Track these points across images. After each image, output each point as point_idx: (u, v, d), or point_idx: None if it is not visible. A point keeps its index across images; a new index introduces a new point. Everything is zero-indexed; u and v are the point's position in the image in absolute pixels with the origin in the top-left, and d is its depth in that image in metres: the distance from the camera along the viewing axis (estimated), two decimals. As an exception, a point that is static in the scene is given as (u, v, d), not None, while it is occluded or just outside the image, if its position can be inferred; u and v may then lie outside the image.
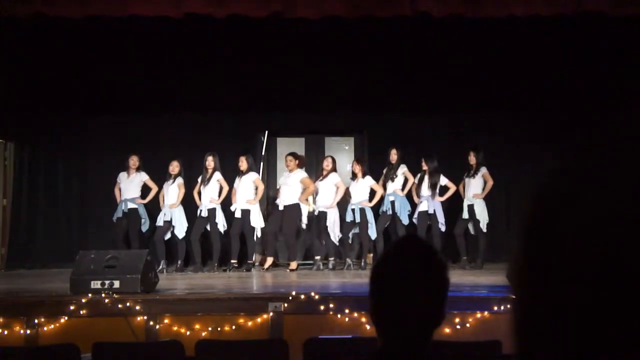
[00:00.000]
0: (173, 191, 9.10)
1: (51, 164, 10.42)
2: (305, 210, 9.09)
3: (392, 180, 9.15)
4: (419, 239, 1.93)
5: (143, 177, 9.29)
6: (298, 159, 9.22)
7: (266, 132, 10.24)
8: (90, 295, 5.87)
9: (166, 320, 5.80)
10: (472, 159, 9.10)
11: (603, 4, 7.54)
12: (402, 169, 9.21)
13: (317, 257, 9.11)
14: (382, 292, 1.59)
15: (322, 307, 5.77)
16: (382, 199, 9.15)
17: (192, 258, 9.25)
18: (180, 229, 9.06)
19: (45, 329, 5.71)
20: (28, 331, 5.69)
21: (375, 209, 9.15)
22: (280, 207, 9.02)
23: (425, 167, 9.16)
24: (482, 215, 8.99)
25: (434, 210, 9.02)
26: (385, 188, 9.17)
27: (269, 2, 7.59)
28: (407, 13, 7.64)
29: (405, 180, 9.24)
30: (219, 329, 5.70)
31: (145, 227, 9.25)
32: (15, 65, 9.46)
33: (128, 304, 5.79)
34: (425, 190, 9.09)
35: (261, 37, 9.40)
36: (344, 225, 9.10)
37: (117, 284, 5.96)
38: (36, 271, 9.27)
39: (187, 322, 5.76)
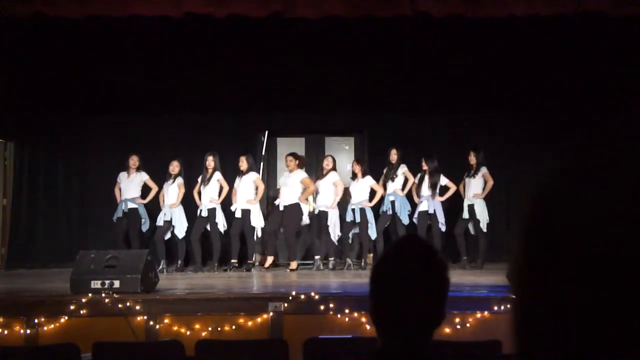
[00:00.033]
0: (173, 191, 9.10)
1: (51, 164, 10.42)
2: (305, 209, 9.09)
3: (392, 180, 9.15)
4: (419, 238, 1.94)
5: (143, 177, 9.29)
6: (298, 159, 9.22)
7: (266, 132, 10.25)
8: (90, 295, 5.87)
9: (166, 320, 5.80)
10: (472, 159, 9.10)
11: (603, 4, 7.54)
12: (402, 169, 9.22)
13: (317, 257, 9.11)
14: (383, 292, 1.59)
15: (322, 307, 5.77)
16: (382, 198, 9.15)
17: (192, 258, 9.25)
18: (181, 228, 9.06)
19: (45, 328, 5.71)
20: (28, 331, 5.69)
21: (376, 209, 9.14)
22: (281, 208, 9.02)
23: (425, 167, 9.16)
24: (483, 215, 8.99)
25: (434, 210, 9.03)
26: (385, 188, 9.17)
27: (269, 2, 7.59)
28: (407, 13, 7.64)
29: (406, 180, 9.24)
30: (219, 328, 5.70)
31: (145, 227, 9.25)
32: (15, 65, 9.45)
33: (128, 304, 5.79)
34: (425, 190, 9.09)
35: (261, 37, 9.40)
36: (344, 225, 9.10)
37: (117, 283, 5.96)
38: (36, 271, 9.26)
39: (187, 322, 5.77)
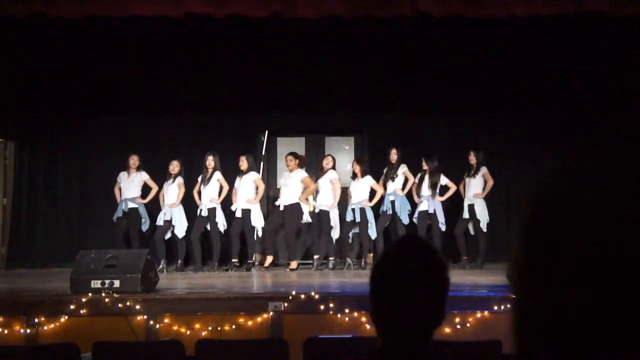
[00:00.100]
0: (173, 191, 9.11)
1: (51, 164, 10.42)
2: (306, 209, 9.08)
3: (393, 180, 9.15)
4: (419, 238, 1.94)
5: (143, 176, 9.29)
6: (298, 158, 9.22)
7: (266, 131, 10.25)
8: (90, 294, 5.87)
9: (166, 320, 5.81)
10: (473, 159, 9.10)
11: (603, 4, 7.54)
12: (403, 169, 9.22)
13: (316, 257, 9.11)
14: (383, 292, 1.59)
15: (322, 307, 5.78)
16: (382, 198, 9.16)
17: (192, 257, 9.25)
18: (180, 228, 9.06)
19: (45, 328, 5.71)
20: (28, 330, 5.69)
21: (376, 209, 9.15)
22: (281, 208, 9.02)
23: (425, 167, 9.16)
24: (483, 215, 8.99)
25: (434, 210, 9.03)
26: (385, 188, 9.17)
27: (269, 2, 7.59)
28: (407, 13, 7.64)
29: (406, 180, 9.24)
30: (219, 328, 5.70)
31: (145, 227, 9.25)
32: (15, 65, 9.45)
33: (128, 304, 5.79)
34: (425, 190, 9.09)
35: (261, 37, 9.40)
36: (344, 225, 9.10)
37: (117, 283, 5.96)
38: (36, 271, 9.26)
39: (187, 321, 5.77)
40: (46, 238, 10.17)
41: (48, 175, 10.38)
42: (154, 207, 9.32)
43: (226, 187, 9.14)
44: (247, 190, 9.06)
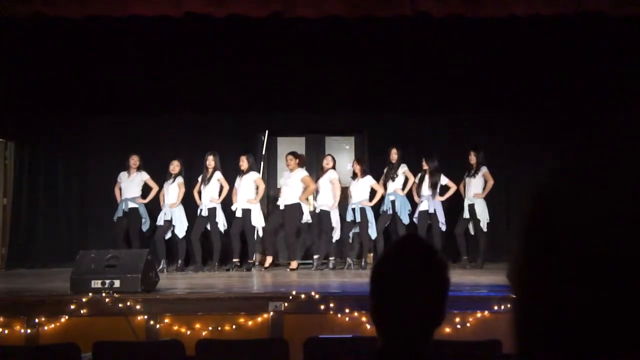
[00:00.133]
0: (173, 191, 9.11)
1: (51, 164, 10.42)
2: (306, 209, 9.09)
3: (393, 180, 9.16)
4: (420, 238, 1.94)
5: (144, 176, 9.29)
6: (298, 158, 9.22)
7: (266, 131, 10.25)
8: (90, 294, 5.87)
9: (166, 320, 5.81)
10: (473, 159, 9.11)
11: (603, 4, 7.54)
12: (403, 169, 9.22)
13: (316, 257, 9.11)
14: (383, 292, 1.59)
15: (322, 307, 5.78)
16: (382, 198, 9.16)
17: (193, 257, 9.25)
18: (181, 228, 9.06)
19: (45, 328, 5.71)
20: (29, 330, 5.69)
21: (376, 209, 9.15)
22: (281, 207, 9.02)
23: (425, 167, 9.16)
24: (483, 214, 9.00)
25: (435, 210, 9.03)
26: (385, 187, 9.17)
27: (269, 2, 7.59)
28: (407, 13, 7.63)
29: (406, 180, 9.24)
30: (219, 328, 5.70)
31: (145, 227, 9.26)
32: (15, 65, 9.45)
33: (128, 304, 5.79)
34: (425, 189, 9.10)
35: (261, 37, 9.40)
36: (344, 225, 9.10)
37: (117, 283, 5.96)
38: (36, 271, 9.27)
39: (188, 321, 5.77)
40: (46, 238, 10.18)
41: (48, 175, 10.38)
42: (154, 207, 9.32)
43: (226, 187, 9.14)
44: (248, 190, 9.06)
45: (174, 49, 9.71)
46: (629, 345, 0.50)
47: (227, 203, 9.18)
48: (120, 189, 9.30)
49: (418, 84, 9.93)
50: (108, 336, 5.04)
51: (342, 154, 10.53)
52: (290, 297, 5.86)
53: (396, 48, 9.79)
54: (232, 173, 9.25)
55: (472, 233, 9.13)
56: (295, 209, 8.95)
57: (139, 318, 5.79)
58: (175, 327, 5.74)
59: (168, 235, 9.13)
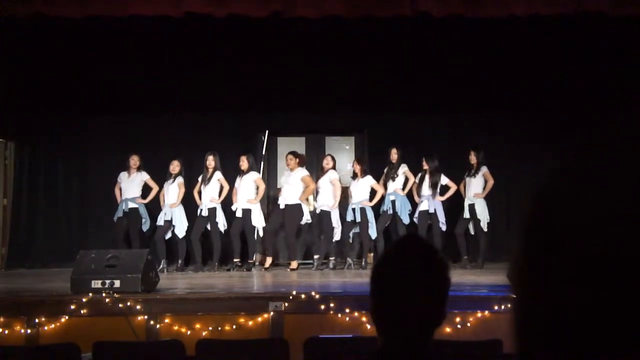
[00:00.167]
0: (173, 191, 9.11)
1: (51, 164, 10.42)
2: (306, 209, 9.09)
3: (393, 180, 9.16)
4: (420, 238, 1.93)
5: (144, 176, 9.29)
6: (298, 157, 9.22)
7: (266, 131, 10.25)
8: (90, 294, 5.87)
9: (167, 320, 5.81)
10: (473, 159, 9.11)
11: (603, 4, 7.54)
12: (403, 169, 9.22)
13: (316, 257, 9.11)
14: (383, 292, 1.59)
15: (322, 307, 5.78)
16: (382, 198, 9.16)
17: (193, 257, 9.25)
18: (181, 228, 9.06)
19: (45, 328, 5.71)
20: (29, 330, 5.69)
21: (376, 209, 9.15)
22: (282, 206, 9.01)
23: (426, 167, 9.16)
24: (483, 214, 9.00)
25: (435, 210, 9.03)
26: (385, 187, 9.17)
27: (269, 2, 7.59)
28: (407, 13, 7.64)
29: (406, 180, 9.24)
30: (219, 328, 5.70)
31: (145, 227, 9.26)
32: (15, 65, 9.46)
33: (129, 304, 5.79)
34: (426, 189, 9.10)
35: (261, 37, 9.40)
36: (345, 225, 9.11)
37: (117, 283, 5.96)
38: (36, 271, 9.27)
39: (188, 321, 5.77)
40: (46, 238, 10.18)
41: (48, 175, 10.38)
42: (154, 207, 9.32)
43: (226, 187, 9.14)
44: (248, 190, 9.06)
45: (174, 49, 9.71)
46: (629, 345, 0.50)
47: (227, 203, 9.18)
48: (120, 189, 9.30)
49: (418, 84, 9.93)
50: (108, 336, 5.04)
51: (342, 154, 10.53)
52: (291, 297, 5.86)
53: (396, 48, 9.79)
54: (232, 173, 9.25)
55: (473, 233, 9.13)
56: (295, 209, 8.95)
57: (139, 318, 5.79)
58: (176, 327, 5.74)
59: (168, 235, 9.13)
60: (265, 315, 5.78)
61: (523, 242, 0.58)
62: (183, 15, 7.69)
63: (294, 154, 9.22)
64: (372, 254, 9.10)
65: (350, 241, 9.22)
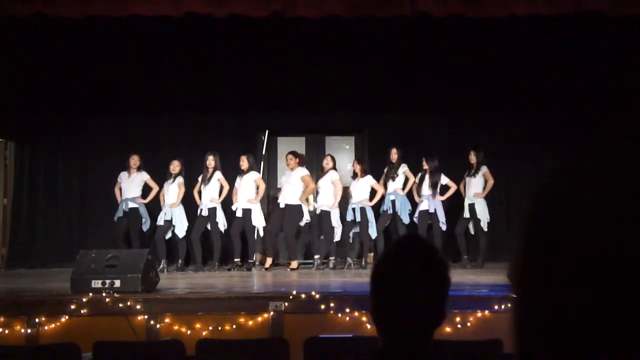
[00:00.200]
0: (173, 190, 9.11)
1: (51, 164, 10.42)
2: (306, 210, 9.09)
3: (393, 180, 9.16)
4: (420, 238, 1.93)
5: (144, 176, 9.30)
6: (298, 157, 9.23)
7: (267, 131, 10.25)
8: (91, 294, 5.88)
9: (167, 320, 5.81)
10: (473, 158, 9.11)
11: (603, 4, 7.54)
12: (403, 168, 9.22)
13: (317, 257, 9.12)
14: (383, 291, 1.59)
15: (322, 306, 5.78)
16: (382, 198, 9.16)
17: (193, 257, 9.25)
18: (181, 228, 9.06)
19: (46, 328, 5.71)
20: (29, 330, 5.70)
21: (376, 208, 9.15)
22: (282, 205, 9.01)
23: (426, 167, 9.17)
24: (483, 214, 9.00)
25: (435, 210, 9.03)
26: (386, 187, 9.17)
27: (269, 2, 7.59)
28: (407, 13, 7.63)
29: (406, 180, 9.24)
30: (219, 328, 5.70)
31: (146, 227, 9.26)
32: (15, 65, 9.46)
33: (129, 303, 5.79)
34: (426, 189, 9.10)
35: (261, 37, 9.40)
36: (345, 225, 9.11)
37: (117, 283, 5.96)
38: (36, 270, 9.27)
39: (188, 321, 5.77)
40: (46, 238, 10.18)
41: (48, 175, 10.38)
42: (154, 207, 9.32)
43: (226, 187, 9.14)
44: (248, 189, 9.06)
45: (174, 49, 9.71)
46: (629, 345, 0.50)
47: (227, 203, 9.18)
48: (120, 189, 9.30)
49: (418, 84, 9.93)
50: (108, 336, 5.04)
51: (342, 154, 10.54)
52: (291, 297, 5.86)
53: (396, 48, 9.79)
54: (232, 173, 9.25)
55: (473, 233, 9.13)
56: (295, 210, 8.95)
57: (139, 318, 5.80)
58: (176, 327, 5.74)
59: (168, 235, 9.14)
60: (266, 315, 5.78)
61: (523, 242, 0.58)
62: (183, 15, 7.68)
63: (294, 153, 9.22)
64: (372, 254, 9.10)
65: (351, 241, 9.22)
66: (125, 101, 10.05)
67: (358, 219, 9.00)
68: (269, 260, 9.07)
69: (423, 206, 9.08)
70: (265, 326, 5.75)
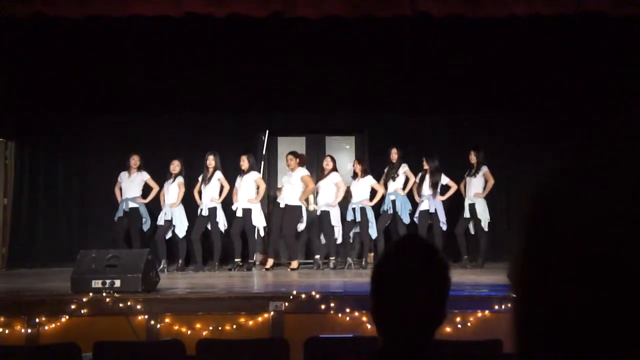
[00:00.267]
0: (173, 190, 9.11)
1: (51, 164, 10.42)
2: (305, 212, 9.08)
3: (393, 180, 9.16)
4: (420, 238, 1.93)
5: (144, 176, 9.30)
6: (298, 157, 9.23)
7: (267, 131, 10.25)
8: (91, 294, 5.87)
9: (167, 320, 5.81)
10: (473, 158, 9.11)
11: (603, 4, 7.54)
12: (403, 168, 9.23)
13: (317, 256, 9.12)
14: (383, 291, 1.59)
15: (323, 306, 5.78)
16: (383, 198, 9.16)
17: (193, 257, 9.25)
18: (181, 228, 9.06)
19: (46, 328, 5.71)
20: (29, 330, 5.70)
21: (376, 208, 9.15)
22: (282, 205, 9.01)
23: (426, 167, 9.17)
24: (484, 214, 9.00)
25: (435, 210, 9.03)
26: (386, 187, 9.18)
27: (269, 2, 7.59)
28: (407, 13, 7.63)
29: (406, 180, 9.24)
30: (220, 328, 5.70)
31: (146, 227, 9.26)
32: (15, 65, 9.46)
33: (129, 303, 5.79)
34: (426, 189, 9.10)
35: (261, 37, 9.40)
36: (345, 225, 9.11)
37: (118, 283, 5.96)
38: (37, 270, 9.27)
39: (188, 321, 5.77)
40: (46, 238, 10.18)
41: (48, 175, 10.38)
42: (154, 207, 9.33)
43: (227, 187, 9.14)
44: (248, 189, 9.06)
45: (174, 49, 9.71)
46: (629, 345, 0.50)
47: (227, 203, 9.19)
48: (120, 189, 9.30)
49: (418, 84, 9.93)
50: (109, 336, 5.04)
51: (342, 154, 10.54)
52: (291, 297, 5.86)
53: (396, 48, 9.79)
54: (232, 173, 9.25)
55: (473, 232, 9.13)
56: (295, 210, 8.96)
57: (139, 318, 5.80)
58: (176, 327, 5.74)
59: (168, 235, 9.14)
60: (266, 315, 5.78)
61: (523, 242, 0.58)
62: (183, 15, 7.69)
63: (294, 154, 9.22)
64: (372, 254, 9.10)
65: (351, 241, 9.22)
66: (125, 101, 10.05)
67: (358, 219, 9.01)
68: (270, 261, 9.07)
69: (423, 206, 9.08)
70: (265, 326, 5.75)
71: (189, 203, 9.26)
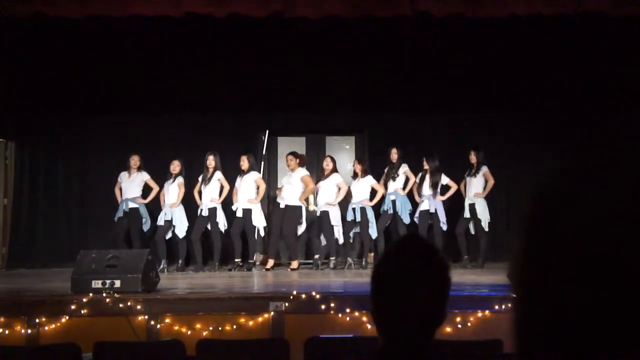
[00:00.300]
0: (173, 190, 9.11)
1: (51, 164, 10.42)
2: (304, 213, 9.08)
3: (394, 180, 9.16)
4: (421, 238, 1.93)
5: (144, 176, 9.29)
6: (298, 157, 9.23)
7: (267, 131, 10.25)
8: (91, 294, 5.87)
9: (167, 320, 5.81)
10: (473, 158, 9.11)
11: (603, 4, 7.54)
12: (404, 168, 9.23)
13: (317, 256, 9.12)
14: (384, 292, 1.59)
15: (323, 307, 5.78)
16: (383, 198, 9.16)
17: (193, 257, 9.25)
18: (181, 228, 9.06)
19: (46, 328, 5.71)
20: (29, 331, 5.69)
21: (376, 208, 9.15)
22: (282, 205, 9.01)
23: (426, 167, 9.17)
24: (484, 214, 9.00)
25: (435, 210, 9.03)
26: (386, 187, 9.18)
27: (269, 2, 7.59)
28: (407, 13, 7.64)
29: (407, 180, 9.24)
30: (220, 328, 5.70)
31: (146, 227, 9.26)
32: (15, 65, 9.46)
33: (129, 304, 5.79)
34: (426, 189, 9.10)
35: (261, 37, 9.40)
36: (345, 225, 9.11)
37: (118, 283, 5.96)
38: (37, 271, 9.26)
39: (188, 321, 5.77)
40: (46, 238, 10.18)
41: (48, 175, 10.38)
42: (154, 207, 9.32)
43: (227, 187, 9.14)
44: (248, 190, 9.06)
45: (174, 49, 9.71)
46: (629, 345, 0.50)
47: (227, 203, 9.18)
48: (120, 189, 9.30)
49: (418, 84, 9.93)
50: (109, 336, 5.04)
51: (342, 154, 10.54)
52: (291, 297, 5.86)
53: (396, 48, 9.79)
54: (232, 173, 9.25)
55: (473, 232, 9.13)
56: (295, 210, 8.96)
57: (139, 318, 5.79)
58: (176, 327, 5.74)
59: (168, 235, 9.14)
60: (266, 315, 5.78)
61: (523, 242, 0.58)
62: (183, 15, 7.69)
63: (294, 154, 9.22)
64: (372, 254, 9.10)
65: (351, 241, 9.22)
66: (125, 101, 10.05)
67: (358, 219, 9.01)
68: (270, 262, 9.06)
69: (423, 206, 9.09)
70: (265, 326, 5.75)
71: (189, 203, 9.25)
